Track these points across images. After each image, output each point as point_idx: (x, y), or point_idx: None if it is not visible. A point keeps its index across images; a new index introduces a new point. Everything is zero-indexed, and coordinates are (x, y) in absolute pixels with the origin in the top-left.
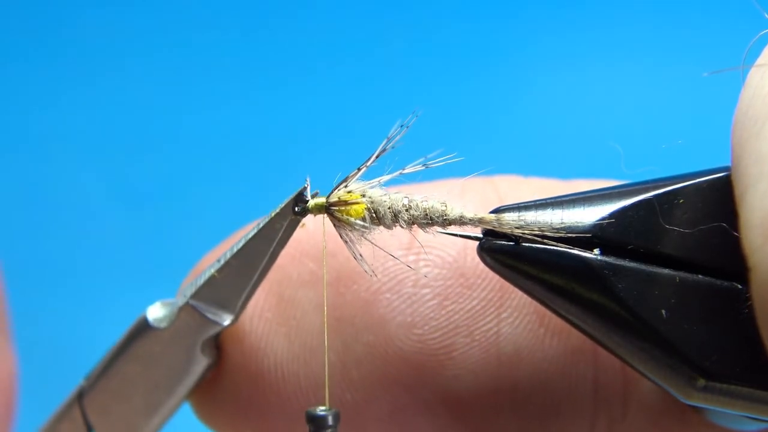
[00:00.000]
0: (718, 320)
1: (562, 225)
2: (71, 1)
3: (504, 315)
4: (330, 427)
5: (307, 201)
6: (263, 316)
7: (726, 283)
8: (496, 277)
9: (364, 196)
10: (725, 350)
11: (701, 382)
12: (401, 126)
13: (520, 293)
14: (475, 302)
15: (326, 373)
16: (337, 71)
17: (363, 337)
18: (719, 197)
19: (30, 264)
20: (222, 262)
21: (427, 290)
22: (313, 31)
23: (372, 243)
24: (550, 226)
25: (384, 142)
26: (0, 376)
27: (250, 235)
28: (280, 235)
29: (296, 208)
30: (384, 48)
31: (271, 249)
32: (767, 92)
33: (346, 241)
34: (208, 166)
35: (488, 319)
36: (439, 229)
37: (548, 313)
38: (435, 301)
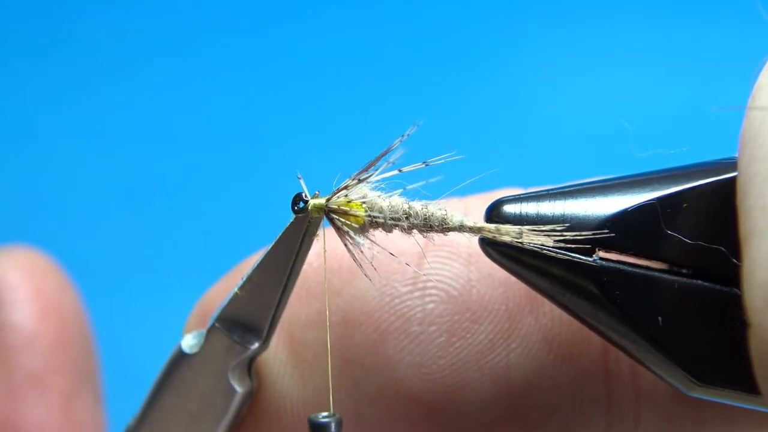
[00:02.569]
0: (715, 326)
1: (563, 237)
2: (85, 5)
3: (513, 346)
4: None
5: (307, 199)
6: (277, 357)
7: (726, 289)
8: (503, 308)
9: (364, 203)
10: (721, 356)
11: (696, 383)
12: (402, 136)
13: (527, 322)
14: (482, 336)
15: (329, 379)
16: (339, 73)
17: (373, 379)
18: (725, 202)
19: None
20: (244, 279)
21: (434, 327)
22: (315, 34)
23: (373, 241)
24: (551, 232)
25: (383, 151)
26: None
27: (269, 247)
28: (298, 246)
29: (296, 207)
30: (386, 47)
31: (291, 263)
32: None
33: (345, 244)
34: (212, 167)
35: (497, 351)
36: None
37: (557, 339)
38: (443, 338)
